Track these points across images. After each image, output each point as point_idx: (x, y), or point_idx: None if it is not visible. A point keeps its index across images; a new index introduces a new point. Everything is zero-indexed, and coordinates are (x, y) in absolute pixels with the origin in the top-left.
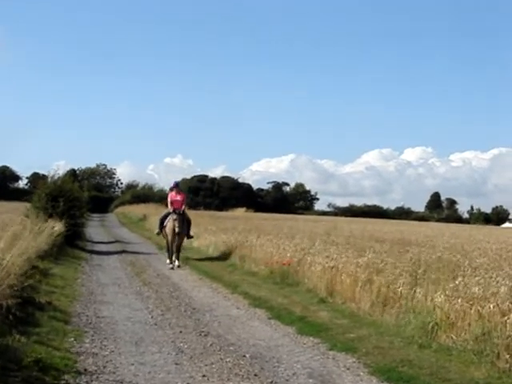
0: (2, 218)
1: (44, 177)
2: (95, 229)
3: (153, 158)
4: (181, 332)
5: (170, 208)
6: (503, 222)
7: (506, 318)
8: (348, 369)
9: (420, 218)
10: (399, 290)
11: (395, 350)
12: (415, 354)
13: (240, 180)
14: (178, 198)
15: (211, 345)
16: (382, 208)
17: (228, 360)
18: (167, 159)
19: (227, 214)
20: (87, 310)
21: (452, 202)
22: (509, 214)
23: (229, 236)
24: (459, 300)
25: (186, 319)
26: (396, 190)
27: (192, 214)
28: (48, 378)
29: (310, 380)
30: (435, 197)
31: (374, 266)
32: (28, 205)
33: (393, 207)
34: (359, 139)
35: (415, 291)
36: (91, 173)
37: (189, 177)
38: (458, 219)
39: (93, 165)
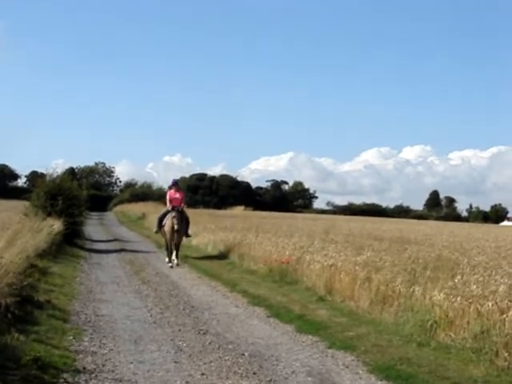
0: (1, 217)
1: (43, 175)
2: (94, 227)
3: (152, 156)
4: (180, 330)
5: (168, 206)
6: (502, 220)
7: (504, 316)
8: (347, 367)
9: (419, 216)
10: (398, 288)
11: (394, 348)
12: (414, 352)
13: (239, 178)
14: (177, 196)
15: (210, 343)
16: (380, 206)
17: (227, 358)
18: (166, 158)
19: (226, 212)
20: (86, 308)
21: (451, 201)
22: (507, 212)
23: (228, 234)
24: (458, 298)
25: (185, 317)
26: (395, 189)
27: (191, 212)
28: (47, 376)
29: (309, 378)
30: (434, 195)
31: (372, 265)
32: (27, 203)
33: (392, 205)
34: (358, 138)
35: (414, 289)
36: (90, 171)
37: (188, 175)
38: (457, 217)
39: (91, 163)
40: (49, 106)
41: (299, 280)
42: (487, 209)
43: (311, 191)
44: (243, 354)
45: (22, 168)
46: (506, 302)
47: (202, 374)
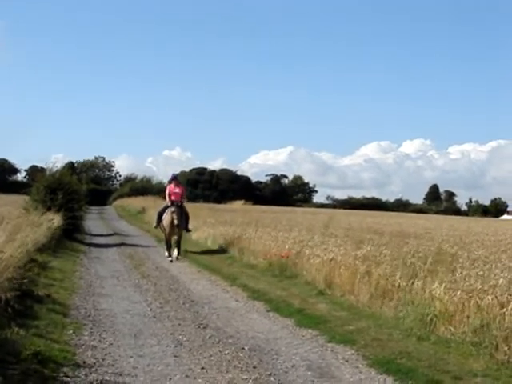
0: (1, 211)
1: (42, 170)
2: (94, 221)
3: (151, 150)
4: (179, 324)
5: (167, 201)
6: (501, 214)
7: (504, 309)
8: (347, 361)
9: (418, 210)
10: (398, 282)
11: (394, 342)
12: (414, 346)
13: (239, 173)
14: (177, 190)
15: (210, 337)
16: (380, 200)
17: (227, 352)
18: (166, 152)
19: (226, 206)
20: (86, 302)
21: (450, 195)
22: (507, 206)
23: (227, 228)
24: (458, 292)
25: (185, 312)
26: (395, 183)
27: (190, 206)
28: (47, 370)
29: (309, 372)
30: (434, 189)
31: (372, 259)
32: (26, 198)
33: (391, 199)
34: (358, 132)
35: (414, 283)
36: (90, 165)
37: (187, 169)
38: (457, 211)
39: (91, 157)
40: (49, 105)
41: (299, 274)
42: (487, 203)
43: (311, 185)
44: (243, 348)
45: (22, 162)
46: (506, 295)
47: (202, 368)
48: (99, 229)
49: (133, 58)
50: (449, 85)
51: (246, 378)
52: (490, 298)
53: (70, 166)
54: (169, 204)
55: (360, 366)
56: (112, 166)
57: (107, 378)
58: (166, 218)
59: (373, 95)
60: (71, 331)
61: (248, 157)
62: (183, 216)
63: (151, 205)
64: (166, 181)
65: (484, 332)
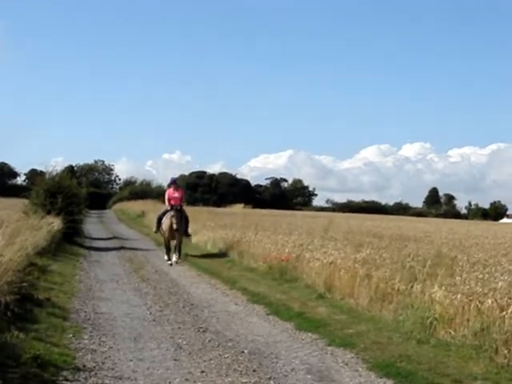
0: (0, 215)
1: (42, 173)
2: (93, 225)
3: (151, 154)
4: (179, 328)
5: (167, 205)
6: (501, 218)
7: (504, 313)
8: (346, 364)
9: (418, 213)
10: (397, 285)
11: (394, 346)
12: (414, 350)
13: (238, 176)
14: (176, 194)
15: (210, 341)
16: (380, 204)
17: (226, 356)
18: (165, 155)
19: (225, 210)
20: (86, 306)
21: (450, 198)
22: (507, 209)
23: (227, 232)
24: (458, 295)
25: (185, 315)
26: (394, 186)
27: (190, 210)
28: (46, 374)
29: (309, 376)
30: (433, 192)
31: (372, 262)
32: (26, 201)
33: (391, 203)
34: (357, 135)
35: (413, 287)
36: (89, 169)
37: (187, 173)
38: (456, 215)
39: (91, 161)
40: (48, 106)
41: (299, 277)
42: (486, 206)
43: (310, 189)
44: (243, 352)
45: (22, 166)
46: (506, 299)
47: (202, 372)
48: (99, 232)
49: (133, 58)
50: (448, 88)
51: (246, 382)
52: (490, 301)
53: (70, 170)
54: (168, 208)
55: (360, 369)
56: (111, 170)
57: (107, 381)
58: (166, 222)
59: (372, 98)
60: (71, 335)
61: (248, 160)
62: (183, 220)
63: (151, 208)
64: (165, 184)
65: (484, 335)
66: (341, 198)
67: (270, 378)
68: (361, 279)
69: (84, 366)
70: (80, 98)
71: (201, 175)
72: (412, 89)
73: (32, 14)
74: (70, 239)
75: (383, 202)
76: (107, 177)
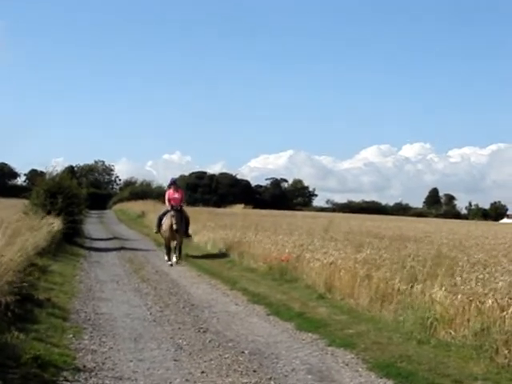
0: (0, 215)
1: (42, 174)
2: (94, 225)
3: (151, 154)
4: (179, 328)
5: (167, 206)
6: (501, 218)
7: (504, 313)
8: (347, 364)
9: (418, 213)
10: (398, 285)
11: (394, 346)
12: (414, 350)
13: (238, 176)
14: (176, 195)
15: (210, 341)
16: (380, 204)
17: (227, 356)
18: (166, 156)
19: (225, 210)
20: (86, 306)
21: (450, 198)
22: (507, 209)
23: (227, 232)
24: (458, 296)
25: (185, 316)
26: (394, 186)
27: (190, 210)
28: (47, 374)
29: (309, 376)
30: (433, 193)
31: (372, 262)
32: (26, 202)
33: (391, 203)
34: (357, 135)
35: (413, 287)
36: (89, 169)
37: (187, 173)
38: (457, 215)
39: (91, 161)
40: (48, 106)
41: (299, 278)
42: (487, 206)
43: (311, 189)
44: (243, 352)
45: (22, 166)
46: (507, 299)
47: (202, 372)
48: (99, 233)
49: (133, 58)
50: (448, 88)
51: (246, 382)
52: (490, 301)
53: (70, 170)
54: (169, 209)
55: (360, 369)
56: (112, 170)
57: (107, 382)
58: (166, 222)
59: (372, 99)
60: (71, 335)
61: (248, 161)
62: (183, 220)
63: (151, 209)
64: (165, 185)
65: (484, 335)
66: (341, 199)
67: (270, 379)
68: (361, 279)
69: (84, 366)
70: (80, 98)
71: (201, 176)
72: (412, 89)
73: (32, 14)
74: (70, 240)
75: (383, 202)
76: (107, 177)
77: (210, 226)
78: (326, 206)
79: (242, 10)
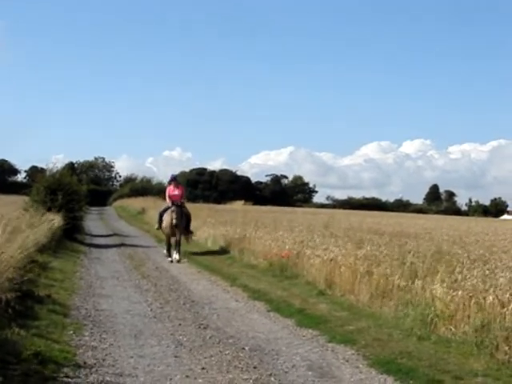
0: (1, 212)
1: (42, 170)
2: (94, 222)
3: (152, 151)
4: (180, 325)
5: (168, 202)
6: (502, 214)
7: (505, 309)
8: (347, 361)
9: (418, 210)
10: (398, 282)
11: (394, 342)
12: (414, 346)
13: (239, 173)
14: (177, 191)
15: (210, 337)
16: (380, 200)
17: (227, 352)
18: (166, 152)
19: (226, 206)
20: (86, 303)
21: (451, 195)
22: (507, 205)
23: (228, 229)
24: (459, 292)
25: (185, 312)
26: (395, 183)
27: (190, 206)
28: (47, 371)
29: (309, 372)
30: (434, 189)
31: (372, 259)
32: (26, 198)
33: (391, 199)
34: (358, 132)
35: (414, 283)
36: (89, 166)
37: (187, 170)
38: (457, 211)
39: (91, 158)
40: (48, 106)
41: (299, 274)
42: (487, 203)
43: (311, 185)
44: (243, 349)
45: (22, 163)
46: (507, 295)
47: (203, 369)
48: (99, 229)
49: (133, 57)
50: (449, 84)
51: (247, 378)
52: (490, 297)
53: (70, 167)
54: (169, 205)
55: (360, 365)
56: (112, 167)
57: (108, 378)
58: (166, 218)
59: (373, 95)
60: (71, 332)
61: (248, 157)
62: (183, 217)
63: (151, 205)
64: (166, 181)
65: (485, 332)
66: (341, 195)
67: (270, 375)
68: (361, 276)
69: (85, 362)
70: (80, 98)
71: (201, 172)
72: (412, 88)
73: (32, 14)
74: (70, 236)
75: (384, 198)
76: (107, 174)
77: (210, 223)
78: (327, 202)
79: (242, 10)
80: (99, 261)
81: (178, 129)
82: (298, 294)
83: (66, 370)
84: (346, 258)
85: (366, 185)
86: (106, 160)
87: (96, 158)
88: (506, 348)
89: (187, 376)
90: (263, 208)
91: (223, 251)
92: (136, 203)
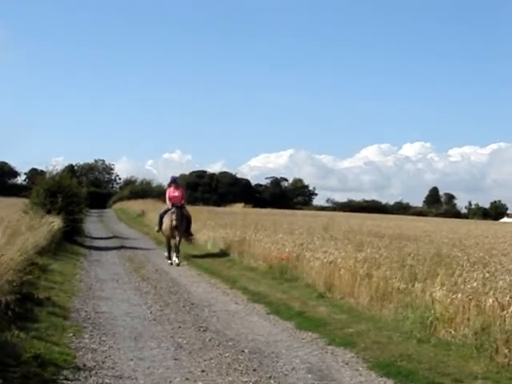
0: (0, 214)
1: (42, 173)
2: (94, 224)
3: (151, 153)
4: (179, 327)
5: (168, 204)
6: (501, 217)
7: (505, 312)
8: (347, 364)
9: (418, 213)
10: (398, 284)
11: (394, 345)
12: (414, 349)
13: (238, 175)
14: (177, 194)
15: (210, 340)
16: (380, 203)
17: (227, 355)
18: (166, 155)
19: (225, 209)
20: (86, 305)
21: (450, 197)
22: (507, 208)
23: (227, 231)
24: (459, 295)
25: (185, 314)
26: (395, 185)
27: (190, 209)
28: (47, 373)
29: (309, 375)
30: (434, 192)
31: (372, 261)
32: (26, 201)
33: (391, 202)
34: (358, 134)
35: (414, 286)
36: (89, 168)
37: (187, 172)
38: (457, 214)
39: (91, 160)
40: (49, 105)
41: (299, 277)
42: (487, 205)
43: (311, 188)
44: (243, 351)
45: (22, 165)
46: (507, 298)
47: (202, 371)
48: (99, 232)
49: (133, 58)
50: (449, 87)
51: (246, 381)
52: (490, 300)
53: (70, 169)
54: (170, 207)
55: (360, 368)
56: (112, 169)
57: (107, 380)
58: (166, 220)
59: (373, 98)
60: (71, 334)
61: (248, 159)
62: (183, 218)
63: (151, 208)
64: (165, 184)
65: (484, 334)
66: (341, 198)
67: (270, 377)
68: (361, 278)
69: (84, 365)
70: (80, 98)
71: (201, 174)
72: (412, 89)
73: (32, 14)
74: (70, 238)
75: (383, 201)
76: (107, 176)
77: (210, 225)
78: (326, 204)
79: (242, 10)
80: (99, 263)
81: (177, 131)
82: (297, 297)
83: (65, 372)
84: (346, 260)
85: (365, 187)
86: (106, 162)
87: (96, 161)
88: (506, 351)
89: (187, 379)
90: (263, 211)
91: (223, 254)
92: (136, 206)
